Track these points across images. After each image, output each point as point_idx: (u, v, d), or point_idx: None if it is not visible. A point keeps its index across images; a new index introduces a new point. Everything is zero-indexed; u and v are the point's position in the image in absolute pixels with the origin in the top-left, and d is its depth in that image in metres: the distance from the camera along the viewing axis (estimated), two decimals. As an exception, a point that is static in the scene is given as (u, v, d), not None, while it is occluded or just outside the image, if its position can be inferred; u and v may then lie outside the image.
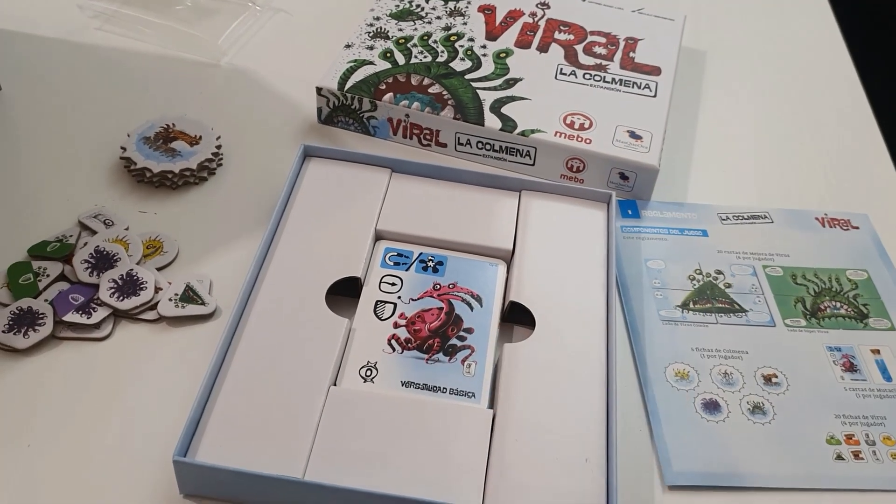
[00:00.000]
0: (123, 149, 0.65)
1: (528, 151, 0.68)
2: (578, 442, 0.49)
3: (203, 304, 0.56)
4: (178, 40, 0.77)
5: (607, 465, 0.48)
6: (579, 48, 0.75)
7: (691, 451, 0.52)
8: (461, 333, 0.54)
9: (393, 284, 0.57)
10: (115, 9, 0.79)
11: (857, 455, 0.53)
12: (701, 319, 0.60)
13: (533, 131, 0.67)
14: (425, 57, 0.73)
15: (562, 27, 0.77)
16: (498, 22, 0.77)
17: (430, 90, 0.70)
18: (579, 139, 0.67)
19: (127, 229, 0.61)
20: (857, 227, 0.68)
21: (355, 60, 0.72)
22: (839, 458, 0.53)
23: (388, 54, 0.73)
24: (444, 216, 0.61)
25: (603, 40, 0.76)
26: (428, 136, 0.70)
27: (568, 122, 0.68)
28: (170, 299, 0.56)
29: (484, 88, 0.70)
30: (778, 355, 0.58)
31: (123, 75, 0.74)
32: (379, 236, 0.60)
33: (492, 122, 0.67)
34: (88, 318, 0.55)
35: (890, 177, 0.73)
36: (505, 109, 0.68)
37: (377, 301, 0.56)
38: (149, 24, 0.78)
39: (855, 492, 0.51)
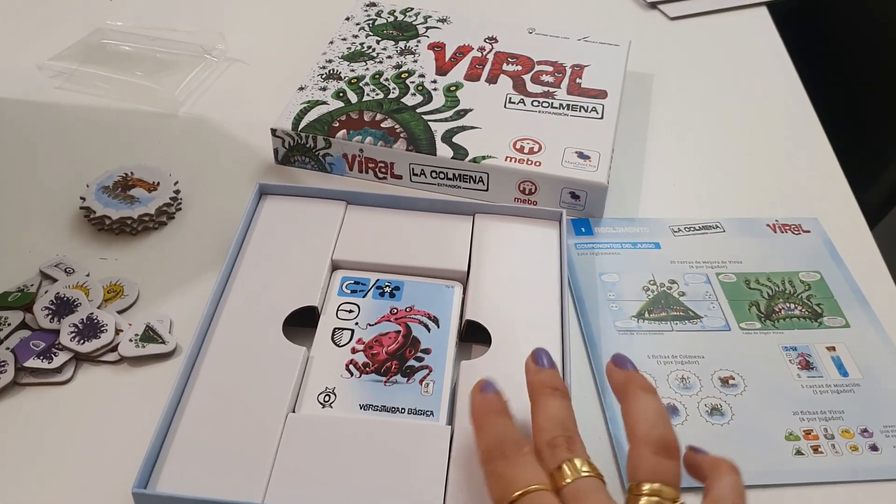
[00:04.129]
0: (83, 199, 0.66)
1: (480, 177, 0.69)
2: (537, 451, 0.49)
3: (163, 342, 0.57)
4: (136, 94, 0.79)
5: (565, 471, 0.48)
6: (527, 77, 0.77)
7: (651, 455, 0.52)
8: (419, 354, 0.55)
9: (350, 311, 0.57)
10: (75, 67, 0.80)
11: (816, 449, 0.53)
12: (656, 328, 0.60)
13: (484, 157, 0.68)
14: (377, 94, 0.75)
15: (510, 59, 0.80)
16: (447, 58, 0.80)
17: (382, 125, 0.71)
18: (529, 162, 0.68)
19: (88, 276, 0.61)
20: (808, 231, 0.69)
21: (309, 101, 0.73)
22: (798, 453, 0.53)
23: (341, 94, 0.75)
24: (400, 243, 0.62)
25: (550, 69, 0.78)
26: (383, 169, 0.71)
27: (518, 147, 0.69)
28: (130, 340, 0.57)
29: (435, 120, 0.72)
30: (734, 358, 0.59)
31: (83, 130, 0.76)
32: (336, 266, 0.61)
33: (444, 151, 0.69)
34: (49, 362, 0.55)
35: (838, 180, 0.74)
36: (456, 139, 0.70)
37: (335, 328, 0.56)
38: (107, 80, 0.80)
39: (816, 485, 0.52)
